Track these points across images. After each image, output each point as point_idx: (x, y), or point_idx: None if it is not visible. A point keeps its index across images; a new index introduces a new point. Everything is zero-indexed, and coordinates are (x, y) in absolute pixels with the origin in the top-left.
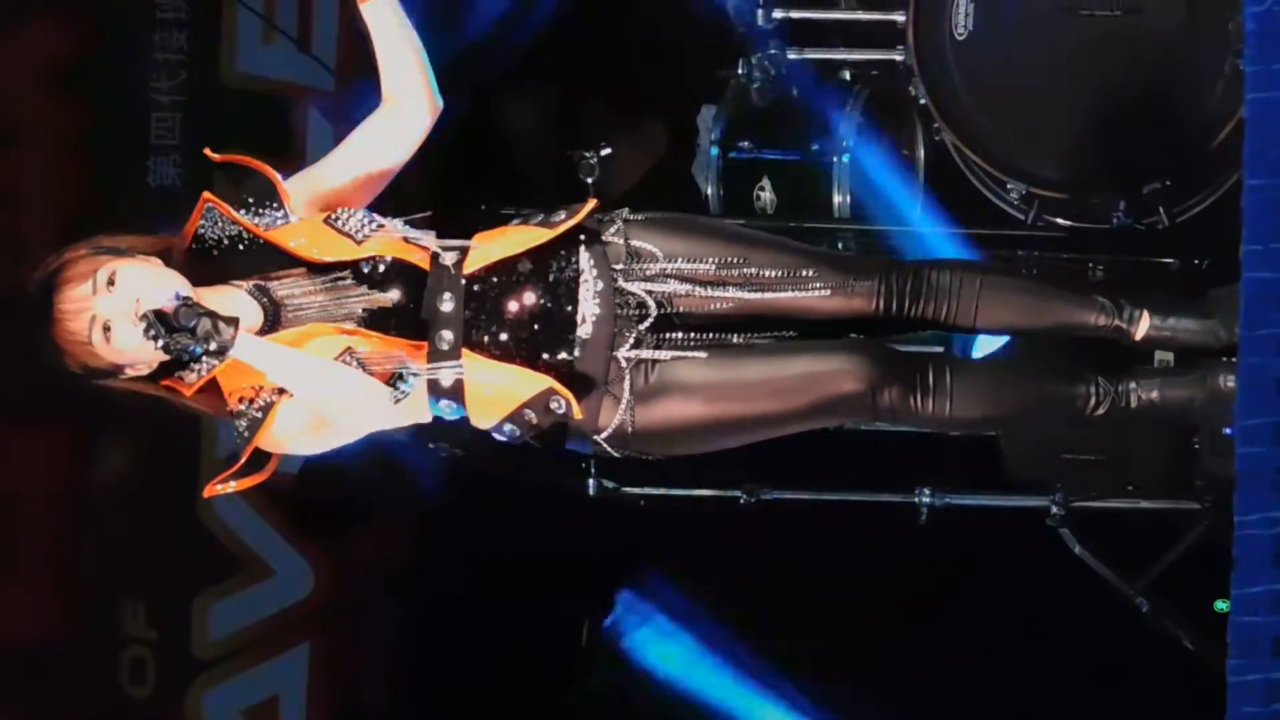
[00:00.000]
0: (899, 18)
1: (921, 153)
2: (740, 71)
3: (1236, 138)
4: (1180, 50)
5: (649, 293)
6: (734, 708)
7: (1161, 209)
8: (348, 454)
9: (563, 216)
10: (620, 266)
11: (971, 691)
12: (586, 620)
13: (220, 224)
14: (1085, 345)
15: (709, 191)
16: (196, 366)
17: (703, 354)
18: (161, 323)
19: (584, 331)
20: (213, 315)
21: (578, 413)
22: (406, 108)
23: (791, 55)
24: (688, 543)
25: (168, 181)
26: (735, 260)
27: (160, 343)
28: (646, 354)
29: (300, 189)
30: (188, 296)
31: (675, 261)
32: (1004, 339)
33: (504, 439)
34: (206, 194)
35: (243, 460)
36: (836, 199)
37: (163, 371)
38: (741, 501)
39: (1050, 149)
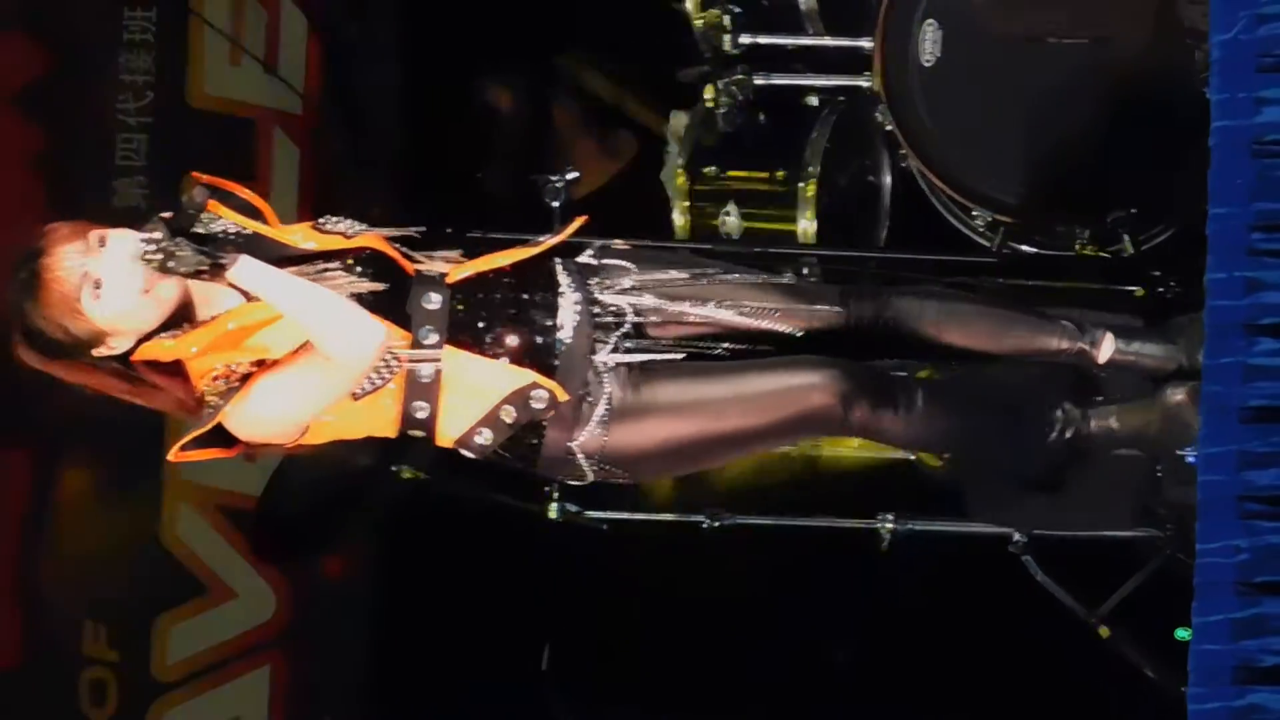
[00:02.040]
0: (866, 44)
1: (888, 179)
2: (707, 96)
3: (1202, 166)
4: (1146, 79)
5: (628, 304)
6: None
7: (1127, 236)
8: (309, 476)
9: (547, 236)
10: (595, 280)
11: (933, 719)
12: (548, 645)
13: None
14: (1048, 374)
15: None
16: (183, 326)
17: (679, 355)
18: (169, 226)
19: (564, 336)
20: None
21: (561, 395)
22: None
23: (758, 80)
24: (651, 568)
25: (133, 203)
26: (704, 277)
27: (164, 247)
28: (624, 358)
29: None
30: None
31: (647, 274)
32: None
33: (472, 454)
34: None
35: (210, 425)
36: (801, 224)
37: (140, 343)
38: (705, 526)
39: (1016, 176)
